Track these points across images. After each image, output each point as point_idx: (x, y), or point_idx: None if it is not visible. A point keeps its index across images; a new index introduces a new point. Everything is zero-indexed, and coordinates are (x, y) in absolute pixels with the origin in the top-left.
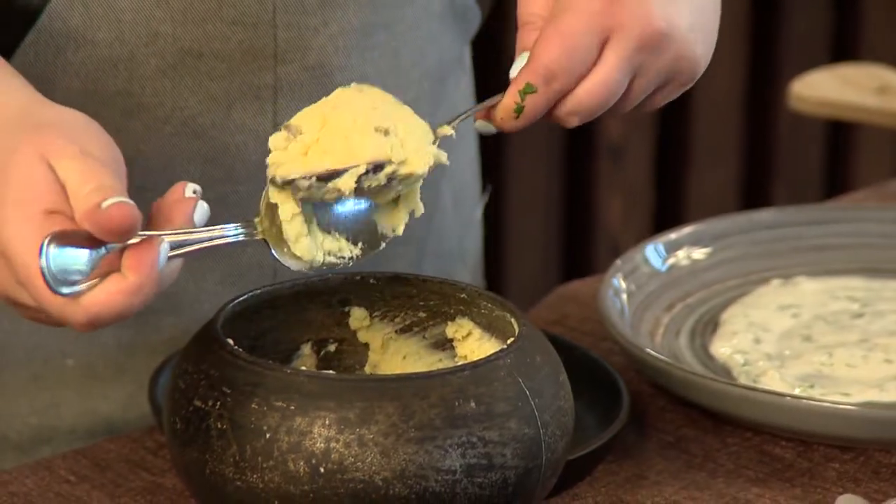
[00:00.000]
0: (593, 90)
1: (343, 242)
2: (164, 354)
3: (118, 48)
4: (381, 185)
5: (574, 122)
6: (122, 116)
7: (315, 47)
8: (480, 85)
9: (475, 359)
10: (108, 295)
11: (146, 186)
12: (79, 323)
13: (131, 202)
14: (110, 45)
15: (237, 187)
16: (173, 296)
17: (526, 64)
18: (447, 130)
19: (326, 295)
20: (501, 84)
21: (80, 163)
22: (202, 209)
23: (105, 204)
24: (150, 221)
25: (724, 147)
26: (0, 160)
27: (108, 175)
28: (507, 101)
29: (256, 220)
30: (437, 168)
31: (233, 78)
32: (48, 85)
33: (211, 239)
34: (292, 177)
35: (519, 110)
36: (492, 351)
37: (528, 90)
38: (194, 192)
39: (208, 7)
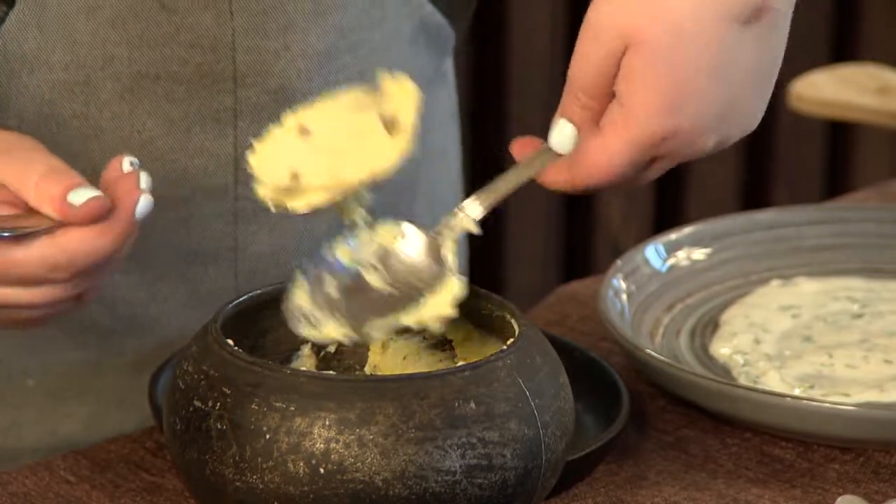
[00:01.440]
0: (614, 186)
1: None
2: (128, 375)
3: (74, 71)
4: None
5: None
6: (80, 140)
7: (276, 71)
8: (480, 89)
9: (475, 359)
10: (80, 232)
11: None
12: (58, 266)
13: (98, 192)
14: (66, 67)
15: (199, 210)
16: (136, 318)
17: (566, 170)
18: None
19: None
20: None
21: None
22: (146, 201)
23: (76, 200)
24: None
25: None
26: None
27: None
28: (544, 181)
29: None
30: (408, 190)
31: (191, 101)
32: (2, 108)
33: None
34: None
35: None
36: (492, 351)
37: (559, 189)
38: (131, 164)
39: (165, 31)
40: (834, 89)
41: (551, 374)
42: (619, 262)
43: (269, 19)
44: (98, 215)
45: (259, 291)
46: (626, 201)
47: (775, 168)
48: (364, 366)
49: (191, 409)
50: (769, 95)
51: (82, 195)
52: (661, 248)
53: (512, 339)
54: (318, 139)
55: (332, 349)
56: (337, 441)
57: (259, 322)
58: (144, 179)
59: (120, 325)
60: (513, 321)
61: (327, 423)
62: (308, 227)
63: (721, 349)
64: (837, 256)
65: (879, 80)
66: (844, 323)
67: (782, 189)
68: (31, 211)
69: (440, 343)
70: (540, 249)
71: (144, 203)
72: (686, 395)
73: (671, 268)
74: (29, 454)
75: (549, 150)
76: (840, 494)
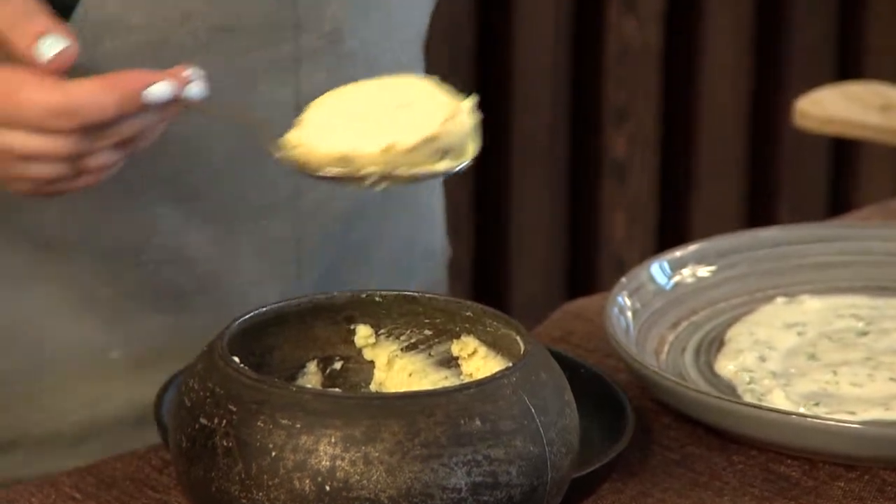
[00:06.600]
0: None
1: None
2: (203, 337)
3: (154, 32)
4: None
5: None
6: None
7: (329, 15)
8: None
9: (480, 377)
10: (94, 85)
11: (181, 169)
12: (60, 112)
13: (66, 41)
14: (146, 29)
15: (263, 161)
16: (208, 275)
17: None
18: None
19: (332, 312)
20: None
21: None
22: (163, 87)
23: (45, 51)
24: None
25: (728, 164)
26: None
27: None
28: None
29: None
30: None
31: (258, 52)
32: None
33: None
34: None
35: None
36: (497, 369)
37: None
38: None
39: None
40: (838, 106)
41: (557, 391)
42: (624, 280)
43: None
44: (65, 67)
45: (265, 308)
46: (630, 217)
47: (779, 185)
48: (369, 383)
49: (196, 426)
50: None
51: (49, 45)
52: (666, 266)
53: (517, 357)
54: (364, 113)
55: (337, 366)
56: (342, 458)
57: (265, 339)
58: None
59: (193, 283)
60: (518, 339)
61: (333, 440)
62: None
63: (726, 367)
64: (842, 274)
65: (884, 98)
66: (849, 340)
67: (786, 206)
68: None
69: (446, 360)
70: (544, 266)
71: (160, 88)
72: (691, 412)
73: (676, 285)
74: (115, 425)
75: None
76: None
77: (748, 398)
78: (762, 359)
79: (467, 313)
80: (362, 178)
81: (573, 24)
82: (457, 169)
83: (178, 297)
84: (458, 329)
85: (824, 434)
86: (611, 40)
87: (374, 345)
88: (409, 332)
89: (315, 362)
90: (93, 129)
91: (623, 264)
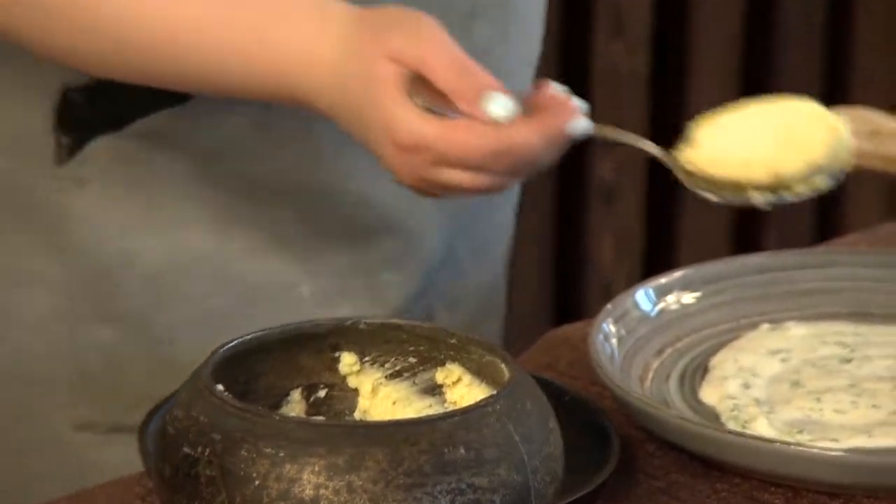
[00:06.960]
0: None
1: None
2: (383, 274)
3: None
4: None
5: None
6: None
7: None
8: None
9: (465, 405)
10: (528, 129)
11: None
12: (499, 154)
13: (510, 100)
14: None
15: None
16: (389, 217)
17: None
18: None
19: (317, 340)
20: None
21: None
22: (584, 123)
23: (493, 109)
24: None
25: None
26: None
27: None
28: None
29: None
30: None
31: (437, 8)
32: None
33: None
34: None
35: None
36: (482, 396)
37: None
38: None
39: None
40: None
41: (541, 419)
42: (609, 306)
43: None
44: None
45: (249, 337)
46: (617, 242)
47: (766, 211)
48: (354, 411)
49: (180, 455)
50: None
51: (499, 105)
52: (651, 293)
53: (502, 385)
54: (751, 137)
55: (322, 394)
56: (326, 487)
57: (249, 367)
58: (580, 104)
59: (377, 224)
60: (503, 366)
61: (316, 469)
62: None
63: (710, 394)
64: (827, 300)
65: (871, 124)
66: (833, 367)
67: (773, 232)
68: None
69: (430, 388)
70: (531, 289)
71: (582, 124)
72: (675, 440)
73: (661, 312)
74: None
75: None
76: None
77: (732, 425)
78: (746, 386)
79: (452, 340)
80: (748, 199)
81: (560, 49)
82: (832, 184)
83: (363, 237)
84: (442, 356)
85: (807, 462)
86: (597, 65)
87: (358, 372)
88: (393, 359)
89: (299, 390)
90: (519, 166)
91: (611, 288)
